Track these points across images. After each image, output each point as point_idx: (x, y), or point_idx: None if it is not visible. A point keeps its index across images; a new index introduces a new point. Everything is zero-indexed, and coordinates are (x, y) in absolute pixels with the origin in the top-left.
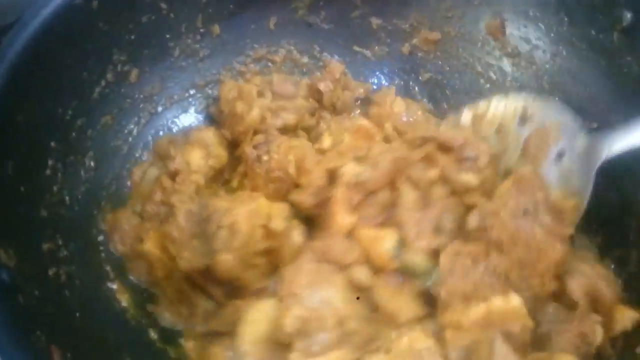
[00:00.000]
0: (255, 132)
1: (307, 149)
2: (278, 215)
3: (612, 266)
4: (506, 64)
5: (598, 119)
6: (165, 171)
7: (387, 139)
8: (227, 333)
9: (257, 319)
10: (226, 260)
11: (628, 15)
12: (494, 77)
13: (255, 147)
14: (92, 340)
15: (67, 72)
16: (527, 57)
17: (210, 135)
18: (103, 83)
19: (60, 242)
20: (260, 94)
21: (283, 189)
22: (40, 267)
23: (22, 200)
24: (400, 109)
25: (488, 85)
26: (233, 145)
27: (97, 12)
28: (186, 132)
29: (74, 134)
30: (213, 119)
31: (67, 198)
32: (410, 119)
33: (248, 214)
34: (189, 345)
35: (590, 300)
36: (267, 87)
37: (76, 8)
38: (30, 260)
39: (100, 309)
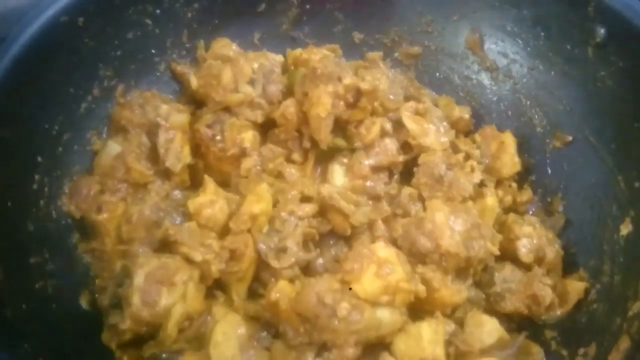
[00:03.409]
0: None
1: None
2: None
3: (587, 275)
4: (484, 78)
5: (573, 132)
6: (129, 149)
7: None
8: None
9: None
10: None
11: (602, 31)
12: (472, 90)
13: (208, 126)
14: (80, 354)
15: (53, 88)
16: (505, 71)
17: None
18: (89, 98)
19: (47, 256)
20: (251, 82)
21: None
22: (27, 281)
23: (8, 215)
24: None
25: (467, 99)
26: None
27: (83, 28)
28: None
29: (60, 148)
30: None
31: (53, 212)
32: None
33: None
34: None
35: (536, 259)
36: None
37: (62, 25)
38: (17, 274)
39: (89, 322)
